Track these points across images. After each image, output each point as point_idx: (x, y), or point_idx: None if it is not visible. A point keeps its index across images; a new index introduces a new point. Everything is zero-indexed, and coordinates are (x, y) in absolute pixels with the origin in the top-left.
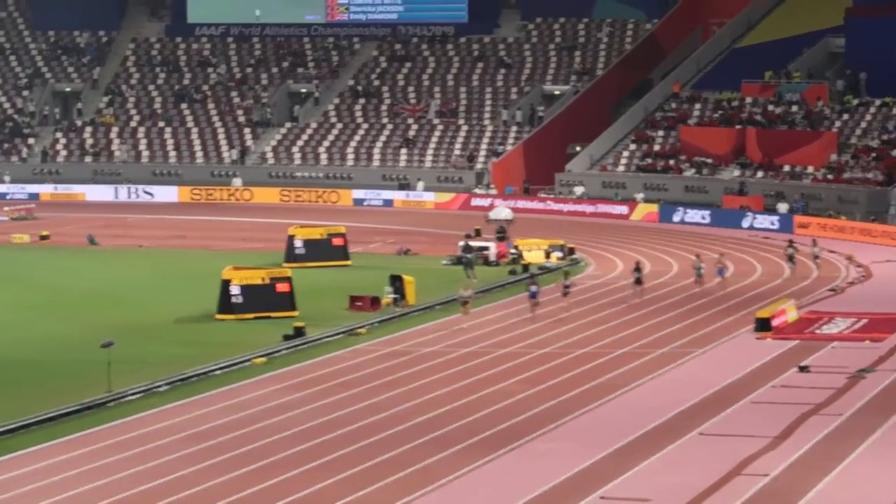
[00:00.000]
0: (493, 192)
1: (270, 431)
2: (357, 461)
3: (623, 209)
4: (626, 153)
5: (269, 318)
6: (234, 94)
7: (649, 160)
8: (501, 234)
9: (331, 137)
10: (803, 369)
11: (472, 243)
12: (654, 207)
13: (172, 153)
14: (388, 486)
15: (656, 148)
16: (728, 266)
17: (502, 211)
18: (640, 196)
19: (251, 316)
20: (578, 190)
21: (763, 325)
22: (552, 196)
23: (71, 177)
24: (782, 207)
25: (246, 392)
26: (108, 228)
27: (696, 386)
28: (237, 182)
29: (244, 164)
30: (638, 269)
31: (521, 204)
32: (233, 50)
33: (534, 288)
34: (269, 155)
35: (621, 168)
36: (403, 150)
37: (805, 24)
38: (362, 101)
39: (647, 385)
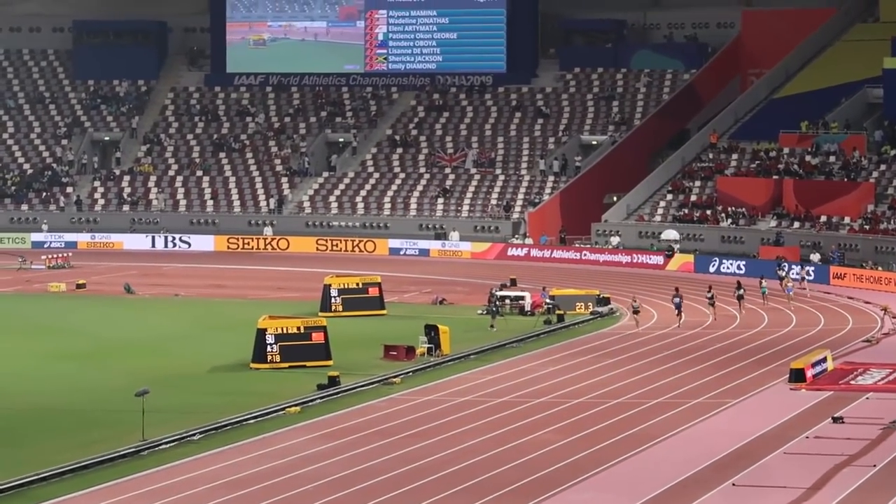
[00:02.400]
0: (530, 241)
1: (304, 480)
2: None
3: (659, 259)
4: (662, 203)
5: (303, 367)
6: (272, 143)
7: (686, 210)
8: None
9: (368, 187)
10: (837, 420)
11: (507, 293)
12: (690, 258)
13: (210, 202)
14: None
15: (693, 198)
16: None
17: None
18: (676, 246)
19: (286, 365)
20: (614, 240)
21: (797, 376)
22: (588, 246)
23: (108, 225)
24: (815, 258)
25: (280, 441)
26: (145, 277)
27: (729, 436)
28: (268, 231)
29: (281, 213)
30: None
31: (557, 254)
32: (271, 99)
33: (677, 300)
34: (307, 204)
35: (658, 218)
36: (440, 200)
37: (843, 74)
38: (400, 150)
39: (681, 435)
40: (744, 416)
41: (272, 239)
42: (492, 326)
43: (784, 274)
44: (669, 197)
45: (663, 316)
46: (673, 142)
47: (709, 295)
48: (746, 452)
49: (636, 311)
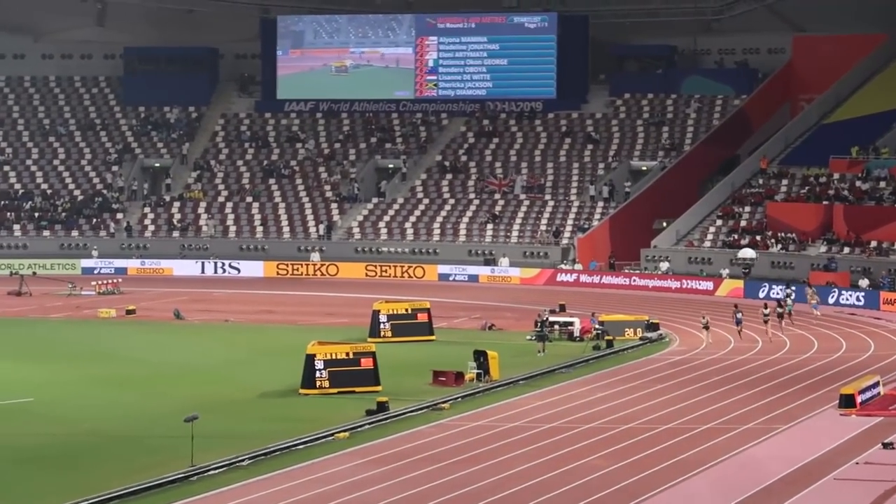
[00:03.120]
0: (579, 267)
1: None
2: None
3: (708, 285)
4: (712, 229)
5: (352, 392)
6: (321, 169)
7: (735, 236)
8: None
9: (417, 213)
10: (887, 446)
11: (556, 318)
12: (740, 283)
13: (259, 228)
14: None
15: (743, 223)
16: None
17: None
18: (725, 272)
19: (335, 391)
20: (664, 266)
21: (847, 402)
22: (637, 272)
23: (158, 251)
24: (864, 283)
25: (328, 467)
26: (195, 303)
27: (779, 462)
28: (316, 257)
29: (330, 239)
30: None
31: (606, 279)
32: (321, 125)
33: (739, 315)
34: (356, 230)
35: (707, 244)
36: (490, 226)
37: (893, 100)
38: (449, 176)
39: (731, 461)
40: (793, 442)
41: (321, 265)
42: (540, 352)
43: (785, 308)
44: (719, 222)
45: (713, 340)
46: (723, 167)
47: (738, 317)
48: (796, 478)
49: (706, 328)
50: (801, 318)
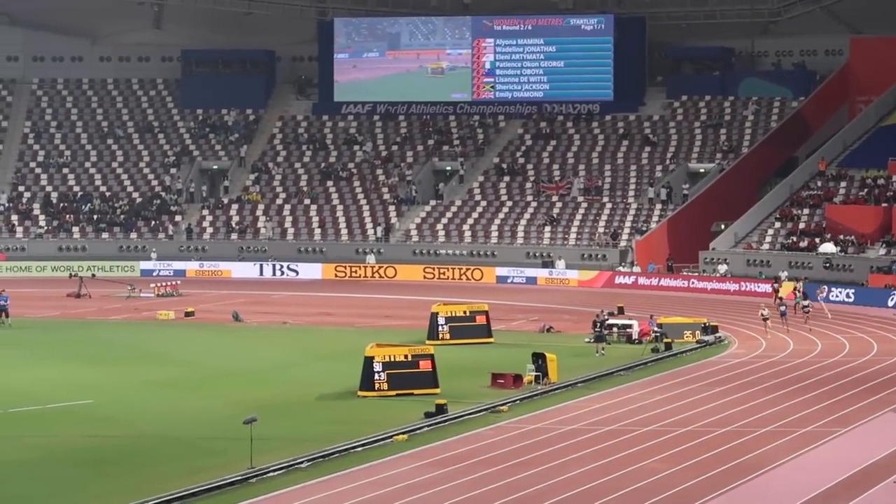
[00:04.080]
0: (637, 269)
1: None
2: None
3: (767, 287)
4: (770, 231)
5: (411, 395)
6: (379, 171)
7: (794, 238)
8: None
9: (475, 215)
10: None
11: (615, 321)
12: (799, 285)
13: (317, 230)
14: None
15: (801, 226)
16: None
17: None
18: (784, 274)
19: (393, 393)
20: (722, 268)
21: None
22: (696, 274)
23: (217, 254)
24: None
25: (387, 469)
26: (253, 305)
27: (839, 465)
28: (371, 259)
29: (388, 242)
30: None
31: (665, 282)
32: (379, 128)
33: (783, 308)
34: (414, 232)
35: (766, 246)
36: (547, 228)
37: None
38: (507, 178)
39: (790, 464)
40: (853, 445)
41: (379, 267)
42: (598, 352)
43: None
44: (777, 225)
45: (771, 343)
46: (781, 170)
47: (782, 309)
48: (856, 482)
49: (765, 319)
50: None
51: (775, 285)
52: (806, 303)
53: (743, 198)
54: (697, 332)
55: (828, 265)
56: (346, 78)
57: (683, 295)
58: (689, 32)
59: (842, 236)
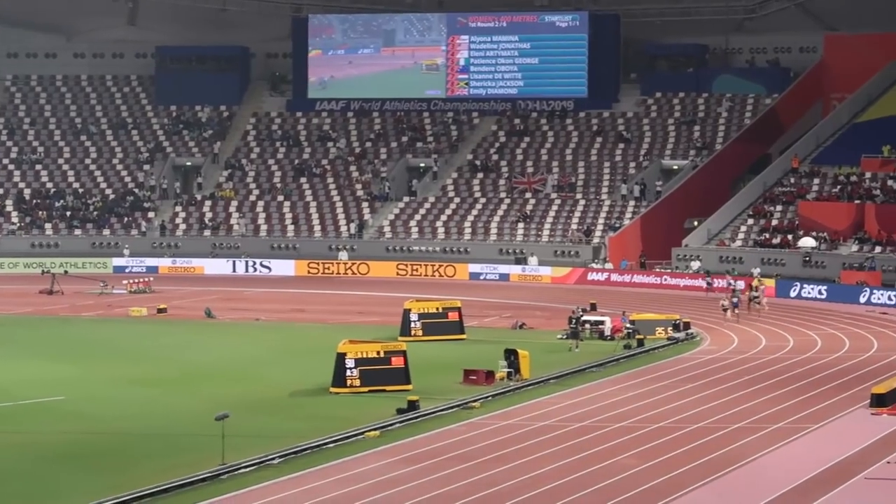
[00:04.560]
0: (609, 266)
1: None
2: None
3: (740, 284)
4: (743, 228)
5: (383, 391)
6: (353, 168)
7: (767, 235)
8: (808, 260)
9: (448, 212)
10: None
11: (587, 317)
12: (772, 283)
13: (290, 227)
14: None
15: (774, 223)
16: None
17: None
18: (756, 271)
19: (366, 389)
20: (695, 265)
21: (879, 401)
22: (669, 271)
23: (190, 250)
24: None
25: (359, 465)
26: (226, 302)
27: (810, 462)
28: (343, 256)
29: (361, 238)
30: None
31: (638, 279)
32: (352, 124)
33: (735, 300)
34: (387, 229)
35: (738, 243)
36: (521, 225)
37: None
38: (480, 175)
39: (761, 460)
40: (824, 442)
41: (352, 264)
42: (572, 349)
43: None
44: (751, 221)
45: (743, 339)
46: (754, 166)
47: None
48: (827, 478)
49: (725, 310)
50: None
51: (707, 279)
52: (757, 294)
53: (716, 194)
54: (669, 328)
55: (807, 260)
56: (319, 74)
57: (656, 291)
58: (664, 29)
59: (814, 233)
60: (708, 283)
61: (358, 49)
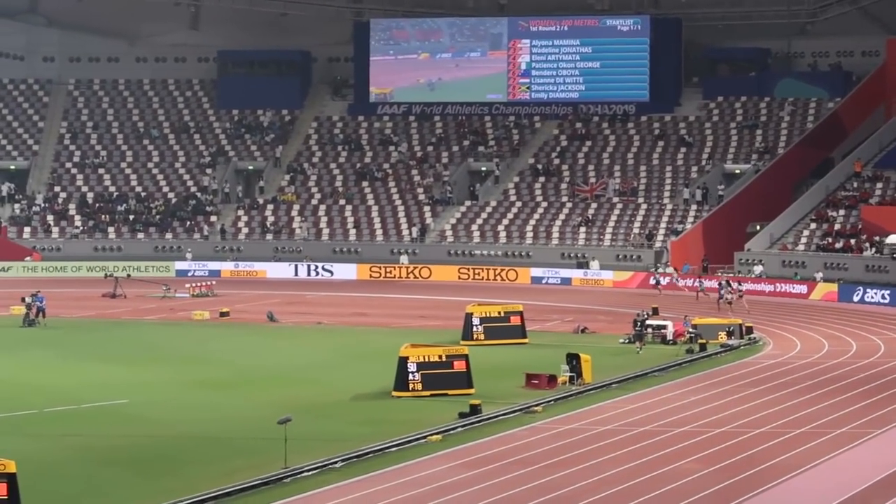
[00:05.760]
0: (672, 270)
1: None
2: None
3: (802, 288)
4: (806, 232)
5: (445, 395)
6: (414, 172)
7: (829, 239)
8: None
9: (510, 216)
10: None
11: (651, 322)
12: (834, 287)
13: (352, 231)
14: None
15: (837, 227)
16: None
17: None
18: (819, 275)
19: (427, 393)
20: (757, 269)
21: None
22: (731, 275)
23: (252, 254)
24: None
25: (421, 469)
26: (288, 305)
27: (874, 467)
28: (404, 260)
29: (423, 242)
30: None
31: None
32: (414, 128)
33: (722, 291)
34: (449, 233)
35: (801, 247)
36: (583, 229)
37: None
38: (542, 179)
39: (825, 466)
40: (888, 447)
41: (414, 267)
42: (638, 350)
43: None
44: (813, 226)
45: (806, 344)
46: (817, 171)
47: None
48: (891, 483)
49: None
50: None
51: (722, 282)
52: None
53: (778, 199)
54: (732, 332)
55: (894, 257)
56: (380, 79)
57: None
58: (726, 33)
59: (877, 238)
60: (657, 282)
61: (419, 52)
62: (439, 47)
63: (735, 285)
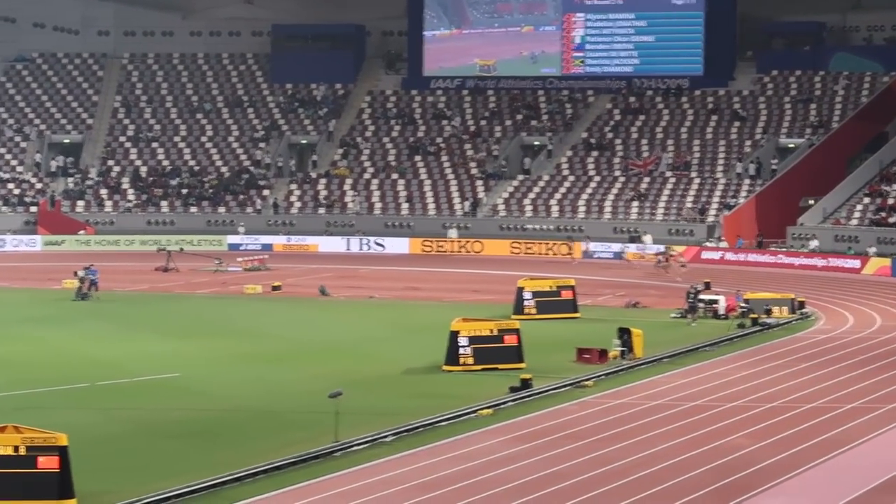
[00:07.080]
0: (725, 245)
1: (495, 483)
2: None
3: (855, 263)
4: (859, 207)
5: (496, 369)
6: (467, 146)
7: (883, 214)
8: None
9: (562, 190)
10: None
11: (702, 296)
12: (887, 262)
13: (405, 205)
14: None
15: (890, 202)
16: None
17: None
18: (872, 250)
19: (479, 367)
20: (812, 243)
21: None
22: (784, 250)
23: (304, 228)
24: None
25: (471, 443)
26: (340, 280)
27: None
28: (453, 233)
29: (475, 216)
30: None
31: (753, 257)
32: (467, 103)
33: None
34: (501, 207)
35: (854, 222)
36: (635, 203)
37: None
38: (595, 153)
39: (876, 440)
40: None
41: (466, 242)
42: (690, 323)
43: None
44: (867, 200)
45: (858, 319)
46: (871, 145)
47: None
48: None
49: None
50: None
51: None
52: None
53: (832, 173)
54: (784, 307)
55: None
56: (434, 53)
57: (771, 270)
58: (781, 7)
59: None
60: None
61: (473, 26)
62: (493, 21)
63: (670, 251)
